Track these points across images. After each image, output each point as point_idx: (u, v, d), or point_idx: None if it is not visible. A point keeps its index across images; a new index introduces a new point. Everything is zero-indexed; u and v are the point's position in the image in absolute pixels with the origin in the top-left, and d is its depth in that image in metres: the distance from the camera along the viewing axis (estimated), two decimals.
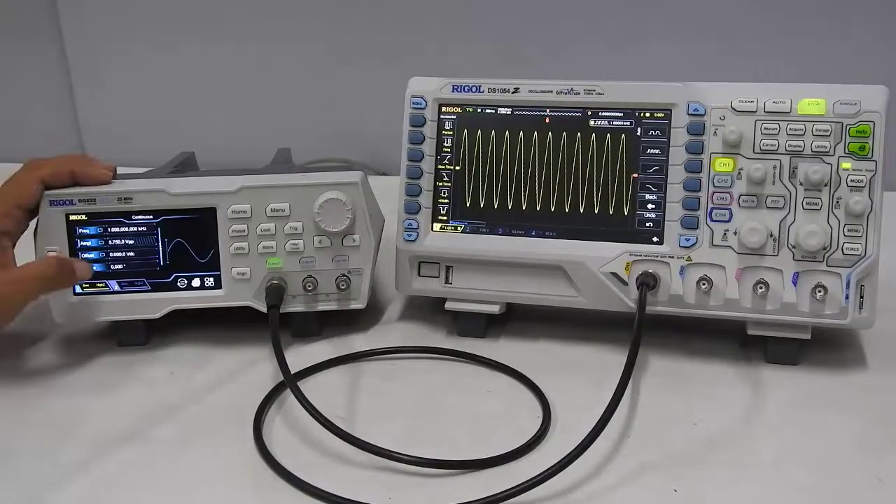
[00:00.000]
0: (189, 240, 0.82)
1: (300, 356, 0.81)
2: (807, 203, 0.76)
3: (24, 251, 0.80)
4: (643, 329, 0.74)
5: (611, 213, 0.81)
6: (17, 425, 0.73)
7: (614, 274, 0.80)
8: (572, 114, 0.82)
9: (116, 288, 0.82)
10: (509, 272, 0.83)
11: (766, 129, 0.77)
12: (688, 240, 0.78)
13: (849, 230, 0.75)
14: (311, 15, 1.39)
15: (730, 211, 0.78)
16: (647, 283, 0.78)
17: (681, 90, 0.79)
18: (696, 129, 0.78)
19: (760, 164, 0.77)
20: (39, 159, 0.82)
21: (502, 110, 0.84)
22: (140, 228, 0.82)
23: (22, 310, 0.77)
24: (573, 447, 0.64)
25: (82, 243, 0.81)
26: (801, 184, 0.76)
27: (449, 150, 0.85)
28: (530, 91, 0.83)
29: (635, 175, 0.81)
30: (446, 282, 0.85)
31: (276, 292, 0.81)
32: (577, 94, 0.82)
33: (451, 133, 0.85)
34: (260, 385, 0.77)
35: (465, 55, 1.30)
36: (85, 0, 1.46)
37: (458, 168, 0.85)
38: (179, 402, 0.75)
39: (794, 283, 0.76)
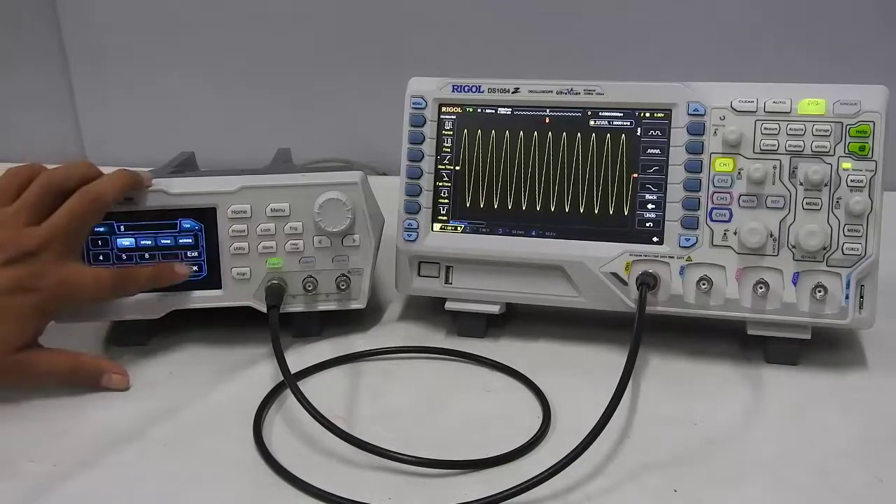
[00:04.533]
0: (189, 240, 0.82)
1: (300, 356, 0.82)
2: (807, 203, 0.76)
3: None
4: (643, 329, 0.74)
5: (611, 213, 0.81)
6: (17, 425, 0.73)
7: (614, 274, 0.80)
8: (572, 114, 0.82)
9: None
10: (509, 272, 0.83)
11: (766, 129, 0.77)
12: (688, 240, 0.78)
13: (849, 230, 0.75)
14: (312, 14, 1.39)
15: (730, 211, 0.78)
16: (647, 283, 0.78)
17: (681, 90, 0.79)
18: (696, 129, 0.78)
19: (760, 164, 0.77)
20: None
21: (502, 110, 0.84)
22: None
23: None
24: (573, 447, 0.64)
25: None
26: (801, 184, 0.76)
27: (449, 150, 0.85)
28: (530, 91, 0.83)
29: (635, 175, 0.81)
30: (446, 282, 0.85)
31: (276, 292, 0.81)
32: (577, 94, 0.82)
33: (451, 133, 0.85)
34: (260, 385, 0.77)
35: (465, 55, 1.30)
36: (85, 0, 1.46)
37: (458, 168, 0.85)
38: (179, 402, 0.75)
39: (794, 283, 0.76)
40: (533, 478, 0.62)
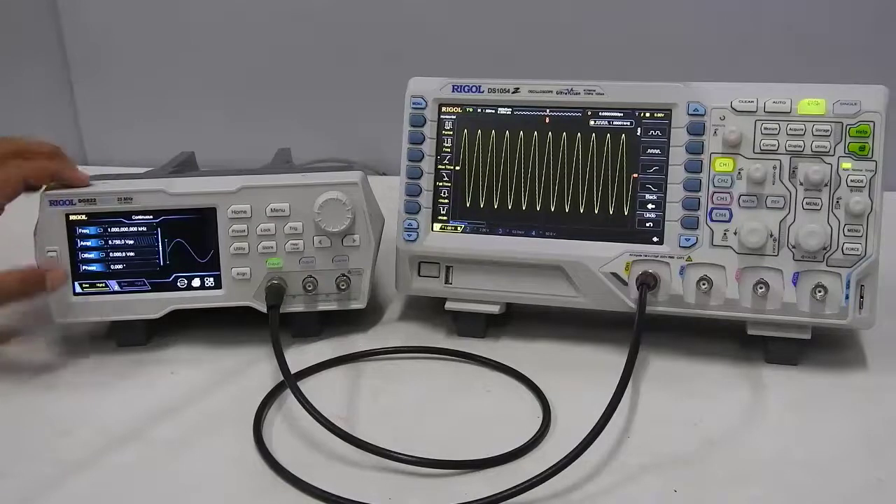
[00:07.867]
0: (189, 240, 0.82)
1: (300, 356, 0.81)
2: (807, 203, 0.76)
3: (26, 251, 0.81)
4: (643, 329, 0.74)
5: (611, 213, 0.81)
6: (17, 425, 0.73)
7: (614, 274, 0.80)
8: (572, 114, 0.82)
9: (116, 288, 0.82)
10: (509, 272, 0.83)
11: (766, 129, 0.77)
12: (688, 240, 0.78)
13: (849, 230, 0.75)
14: (312, 15, 1.39)
15: (730, 211, 0.78)
16: (647, 283, 0.78)
17: (681, 90, 0.79)
18: (696, 129, 0.78)
19: (760, 164, 0.77)
20: (21, 146, 0.80)
21: (502, 110, 0.84)
22: (140, 228, 0.82)
23: None
24: (573, 447, 0.64)
25: (82, 243, 0.81)
26: (801, 184, 0.76)
27: (449, 150, 0.85)
28: (530, 91, 0.83)
29: (635, 175, 0.81)
30: (446, 282, 0.85)
31: (276, 292, 0.82)
32: (577, 94, 0.82)
33: (451, 133, 0.85)
34: (260, 385, 0.77)
35: (465, 55, 1.30)
36: (85, 0, 1.46)
37: (458, 168, 0.85)
38: (179, 402, 0.75)
39: (794, 283, 0.76)
40: (533, 478, 0.62)
